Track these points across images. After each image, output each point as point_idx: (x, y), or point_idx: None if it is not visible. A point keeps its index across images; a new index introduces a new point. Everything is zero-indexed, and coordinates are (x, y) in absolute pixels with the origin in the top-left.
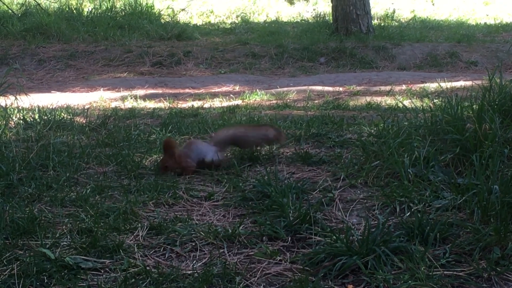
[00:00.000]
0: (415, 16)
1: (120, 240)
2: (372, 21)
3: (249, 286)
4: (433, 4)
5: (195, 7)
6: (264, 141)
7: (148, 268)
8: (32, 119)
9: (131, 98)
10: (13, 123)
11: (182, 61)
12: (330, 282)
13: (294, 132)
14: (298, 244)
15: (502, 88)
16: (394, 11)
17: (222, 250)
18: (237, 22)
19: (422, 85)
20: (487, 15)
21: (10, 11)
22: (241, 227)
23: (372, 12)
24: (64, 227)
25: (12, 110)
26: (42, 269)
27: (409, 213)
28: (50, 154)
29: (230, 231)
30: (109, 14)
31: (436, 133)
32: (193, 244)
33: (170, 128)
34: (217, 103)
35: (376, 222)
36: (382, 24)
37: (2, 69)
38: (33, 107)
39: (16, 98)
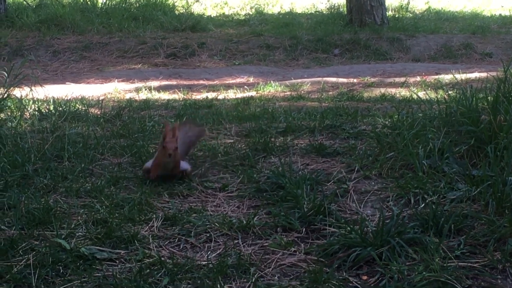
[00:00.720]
0: (429, 7)
1: (135, 231)
2: (387, 12)
3: (263, 277)
4: None
5: None
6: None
7: (163, 258)
8: (47, 110)
9: (146, 89)
10: (28, 114)
11: (196, 52)
12: (344, 273)
13: (308, 124)
14: (313, 235)
15: None
16: (409, 2)
17: (236, 241)
18: (251, 13)
19: (436, 76)
20: (502, 7)
21: (25, 2)
22: (255, 218)
23: (387, 3)
24: (79, 217)
25: (27, 101)
26: (57, 260)
27: (423, 204)
28: (65, 145)
29: (244, 222)
30: (123, 5)
31: (450, 124)
32: (208, 235)
33: (184, 119)
34: (231, 94)
35: (390, 213)
36: (397, 16)
37: (17, 60)
38: (48, 98)
39: (31, 89)
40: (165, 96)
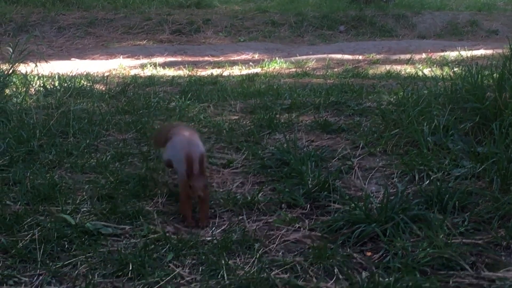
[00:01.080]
0: None
1: (139, 206)
2: None
3: (267, 252)
4: None
5: None
6: None
7: (167, 234)
8: (52, 86)
9: (151, 65)
10: (33, 90)
11: (201, 29)
12: (348, 249)
13: (313, 100)
14: (317, 212)
15: None
16: None
17: (241, 217)
18: None
19: (442, 53)
20: None
21: None
22: (260, 195)
23: None
24: (84, 193)
25: (32, 77)
26: (62, 235)
27: (428, 181)
28: (70, 121)
29: (249, 198)
30: None
31: (456, 101)
32: (212, 210)
33: (189, 95)
34: (236, 71)
35: (395, 190)
36: None
37: (22, 36)
38: (53, 74)
39: (36, 65)
40: (170, 72)
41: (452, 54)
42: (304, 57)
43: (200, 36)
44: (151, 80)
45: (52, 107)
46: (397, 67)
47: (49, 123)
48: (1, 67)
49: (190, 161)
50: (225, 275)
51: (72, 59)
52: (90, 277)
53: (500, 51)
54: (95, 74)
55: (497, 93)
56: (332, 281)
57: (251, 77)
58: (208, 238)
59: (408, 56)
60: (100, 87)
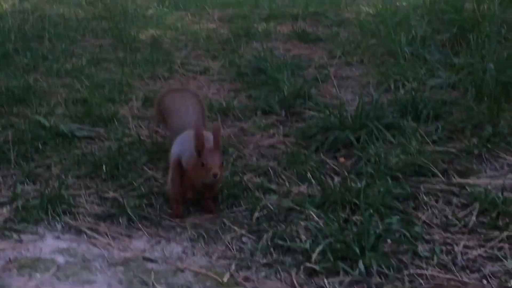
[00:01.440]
0: None
1: (114, 110)
2: None
3: (242, 157)
4: None
5: None
6: None
7: (142, 138)
8: None
9: None
10: None
11: None
12: (322, 155)
13: (292, 11)
14: (292, 119)
15: None
16: None
17: (216, 123)
18: None
19: None
20: None
21: None
22: (235, 101)
23: None
24: (59, 96)
25: None
26: (36, 136)
27: (403, 91)
28: (46, 26)
29: (224, 104)
30: None
31: (434, 13)
32: None
33: (167, 3)
34: None
35: (370, 99)
36: None
37: None
38: None
39: None
40: None
41: None
42: None
43: None
44: None
45: (28, 12)
46: None
47: (25, 28)
48: None
49: (201, 133)
50: None
51: None
52: (64, 178)
53: None
54: None
55: (475, 5)
56: (305, 186)
57: None
58: None
59: None
60: None
